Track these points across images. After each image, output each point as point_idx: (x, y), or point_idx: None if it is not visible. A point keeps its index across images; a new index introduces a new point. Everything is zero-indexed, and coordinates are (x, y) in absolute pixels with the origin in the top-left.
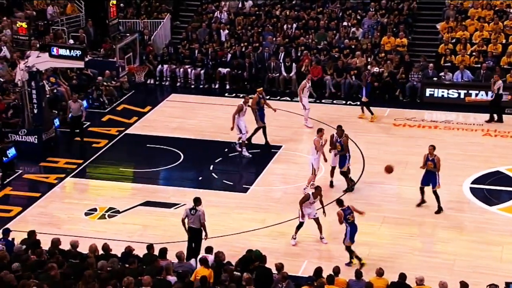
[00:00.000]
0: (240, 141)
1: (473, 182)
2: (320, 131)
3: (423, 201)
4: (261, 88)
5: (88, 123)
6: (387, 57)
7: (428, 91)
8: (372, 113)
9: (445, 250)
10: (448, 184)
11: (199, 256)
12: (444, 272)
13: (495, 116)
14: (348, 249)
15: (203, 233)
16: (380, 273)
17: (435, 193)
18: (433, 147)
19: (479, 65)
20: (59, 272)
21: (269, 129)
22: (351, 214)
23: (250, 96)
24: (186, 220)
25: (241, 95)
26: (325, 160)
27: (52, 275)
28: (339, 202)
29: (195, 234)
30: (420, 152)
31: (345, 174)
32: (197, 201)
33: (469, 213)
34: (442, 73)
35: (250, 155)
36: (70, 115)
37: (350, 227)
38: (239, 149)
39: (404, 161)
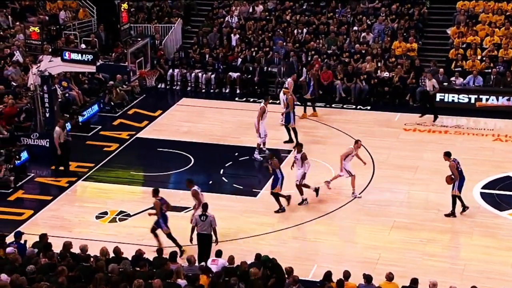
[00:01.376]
0: (261, 146)
1: (483, 187)
2: (356, 142)
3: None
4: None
5: (99, 127)
6: (397, 62)
7: (438, 96)
8: (314, 110)
9: (455, 255)
10: None
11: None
12: (454, 277)
13: (432, 115)
14: None
15: (213, 238)
16: (390, 277)
17: (453, 197)
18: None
19: (489, 70)
20: (70, 275)
21: (279, 133)
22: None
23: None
24: (197, 227)
25: (251, 100)
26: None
27: (60, 282)
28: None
29: (207, 239)
30: (430, 157)
31: (276, 195)
32: (206, 207)
33: (479, 218)
34: (452, 78)
35: (262, 159)
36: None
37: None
38: (266, 152)
39: (414, 166)
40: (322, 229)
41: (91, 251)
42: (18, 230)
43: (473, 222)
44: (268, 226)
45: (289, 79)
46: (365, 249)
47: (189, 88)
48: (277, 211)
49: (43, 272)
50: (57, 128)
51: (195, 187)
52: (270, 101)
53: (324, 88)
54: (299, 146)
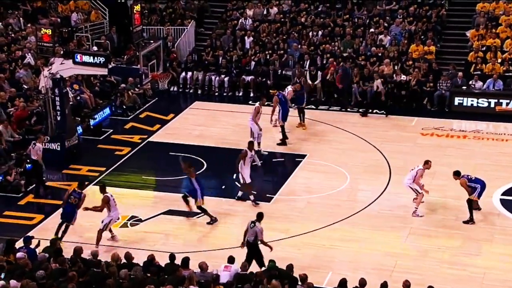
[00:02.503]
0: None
1: (503, 194)
2: (427, 163)
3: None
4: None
5: (111, 130)
6: (414, 65)
7: (457, 100)
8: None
9: (474, 263)
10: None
11: (222, 268)
12: (473, 285)
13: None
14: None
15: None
16: (406, 285)
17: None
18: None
19: (509, 74)
20: (81, 280)
21: (293, 138)
22: None
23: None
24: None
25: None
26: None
27: None
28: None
29: (250, 248)
30: (448, 163)
31: (202, 208)
32: (260, 216)
33: (499, 225)
34: (471, 81)
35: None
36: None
37: None
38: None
39: (431, 171)
40: (338, 236)
41: (102, 256)
42: (28, 235)
43: (493, 229)
44: (282, 232)
45: (290, 87)
46: (382, 256)
47: (200, 92)
48: (209, 223)
49: (53, 277)
50: (38, 144)
51: (108, 194)
52: (266, 103)
53: (339, 92)
54: (251, 144)
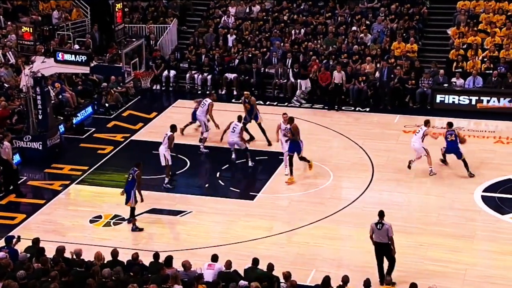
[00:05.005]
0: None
1: (484, 190)
2: (428, 122)
3: None
4: (248, 92)
5: (93, 129)
6: (396, 63)
7: (438, 98)
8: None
9: (456, 260)
10: (459, 193)
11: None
12: (455, 282)
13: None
14: None
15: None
16: (389, 282)
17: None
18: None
19: (490, 71)
20: (63, 280)
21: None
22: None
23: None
24: (373, 236)
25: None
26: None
27: None
28: None
29: (385, 249)
30: (431, 160)
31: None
32: (382, 214)
33: (480, 222)
34: (453, 79)
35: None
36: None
37: None
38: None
39: (413, 168)
40: (321, 233)
41: (85, 256)
42: (10, 235)
43: (475, 226)
44: (266, 230)
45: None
46: (365, 253)
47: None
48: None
49: (35, 277)
50: (6, 143)
51: None
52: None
53: (322, 90)
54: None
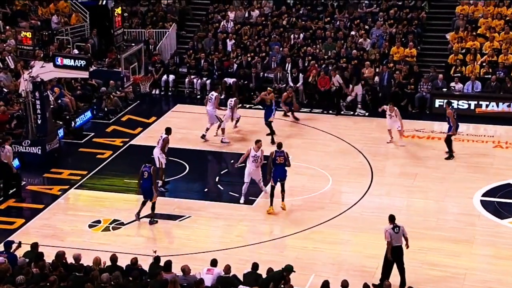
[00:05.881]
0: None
1: (483, 195)
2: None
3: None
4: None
5: (92, 133)
6: (395, 68)
7: (437, 102)
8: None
9: (455, 264)
10: (459, 197)
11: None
12: (454, 286)
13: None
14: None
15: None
16: (388, 286)
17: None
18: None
19: (489, 76)
20: (62, 285)
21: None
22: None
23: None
24: (392, 241)
25: (247, 106)
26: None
27: None
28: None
29: (400, 251)
30: (429, 164)
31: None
32: (394, 218)
33: (479, 227)
34: (452, 84)
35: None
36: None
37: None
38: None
39: (412, 173)
40: (320, 238)
41: (84, 260)
42: (8, 240)
43: (474, 230)
44: (265, 234)
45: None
46: (364, 258)
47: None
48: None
49: (34, 282)
50: (7, 146)
51: None
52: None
53: (321, 94)
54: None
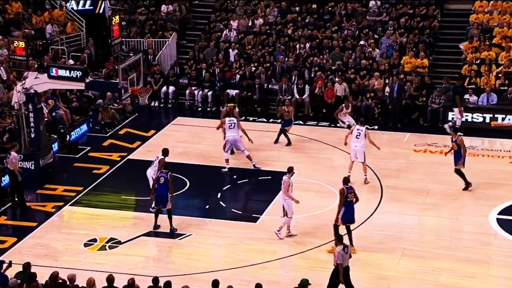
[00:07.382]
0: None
1: (500, 213)
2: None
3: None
4: (232, 104)
5: (88, 147)
6: (406, 79)
7: (450, 115)
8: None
9: (470, 286)
10: (474, 215)
11: None
12: None
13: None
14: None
15: None
16: None
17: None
18: None
19: (505, 88)
20: None
21: (280, 155)
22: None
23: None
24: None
25: (251, 119)
26: None
27: None
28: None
29: (348, 272)
30: (442, 180)
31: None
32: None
33: (496, 246)
34: (466, 96)
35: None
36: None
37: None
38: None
39: (425, 189)
40: (327, 257)
41: (79, 281)
42: None
43: (490, 250)
44: (269, 253)
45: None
46: (373, 278)
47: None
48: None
49: None
50: (13, 153)
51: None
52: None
53: (328, 106)
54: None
